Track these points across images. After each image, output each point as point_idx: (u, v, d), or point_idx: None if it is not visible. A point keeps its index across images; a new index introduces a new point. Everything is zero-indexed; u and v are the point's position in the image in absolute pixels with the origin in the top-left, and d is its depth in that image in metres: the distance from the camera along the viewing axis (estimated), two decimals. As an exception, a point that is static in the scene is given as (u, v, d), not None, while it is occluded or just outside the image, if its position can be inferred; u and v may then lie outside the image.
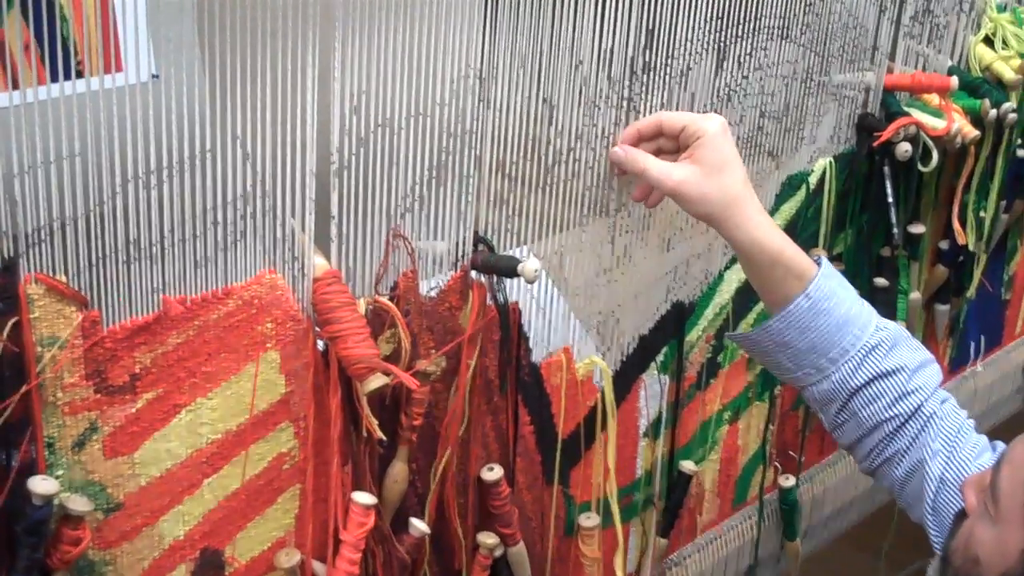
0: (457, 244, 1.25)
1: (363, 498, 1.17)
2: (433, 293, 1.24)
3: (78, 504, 1.00)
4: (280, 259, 1.11)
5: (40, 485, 0.97)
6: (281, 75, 1.04)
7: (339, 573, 1.18)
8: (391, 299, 1.19)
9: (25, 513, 0.97)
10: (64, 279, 0.96)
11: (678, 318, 1.57)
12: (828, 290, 1.27)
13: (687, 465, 1.64)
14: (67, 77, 0.93)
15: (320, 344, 1.15)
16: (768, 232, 1.26)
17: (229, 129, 1.03)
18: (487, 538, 1.35)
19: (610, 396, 1.46)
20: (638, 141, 1.34)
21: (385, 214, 1.17)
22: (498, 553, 1.36)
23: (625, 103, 1.35)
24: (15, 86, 0.90)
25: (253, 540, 1.16)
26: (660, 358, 1.57)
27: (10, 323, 0.93)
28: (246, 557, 1.16)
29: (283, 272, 1.11)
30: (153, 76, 0.97)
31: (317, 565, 1.20)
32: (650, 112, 1.39)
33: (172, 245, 1.02)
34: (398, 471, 1.24)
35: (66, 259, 0.97)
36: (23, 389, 0.95)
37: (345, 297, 1.12)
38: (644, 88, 1.36)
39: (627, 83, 1.35)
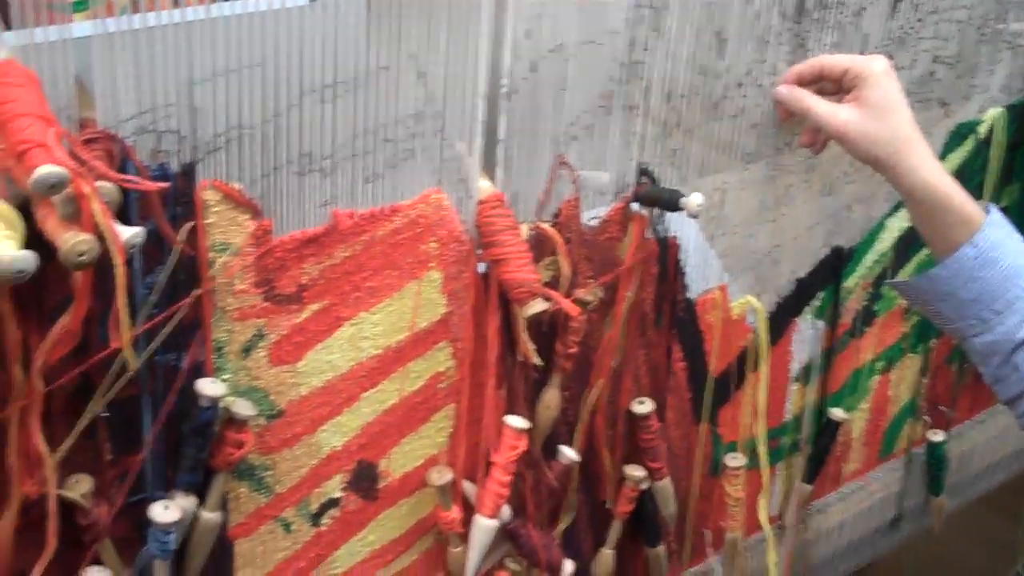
0: (620, 175, 1.25)
1: (516, 421, 1.18)
2: (594, 223, 1.24)
3: (242, 408, 1.02)
4: (446, 180, 1.11)
5: (208, 387, 0.99)
6: (458, -5, 1.05)
7: (489, 494, 1.19)
8: (553, 226, 1.19)
9: (192, 414, 1.00)
10: (239, 187, 0.98)
11: (836, 263, 1.55)
12: (996, 239, 1.24)
13: (837, 412, 1.62)
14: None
15: (481, 267, 1.16)
16: (938, 176, 1.23)
17: (404, 47, 1.03)
18: (634, 471, 1.35)
19: (764, 337, 1.45)
20: (798, 85, 1.31)
21: (551, 140, 1.17)
22: (644, 486, 1.37)
23: (796, 40, 1.33)
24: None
25: (407, 456, 1.18)
26: (816, 302, 1.55)
27: (187, 227, 0.95)
28: (399, 472, 1.18)
29: (449, 193, 1.12)
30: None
31: (467, 485, 1.21)
32: (821, 51, 1.36)
33: (344, 160, 1.04)
34: (551, 397, 1.24)
35: (241, 167, 0.98)
36: (195, 292, 0.98)
37: (509, 221, 1.13)
38: (817, 26, 1.34)
39: (799, 20, 1.32)
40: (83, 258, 0.80)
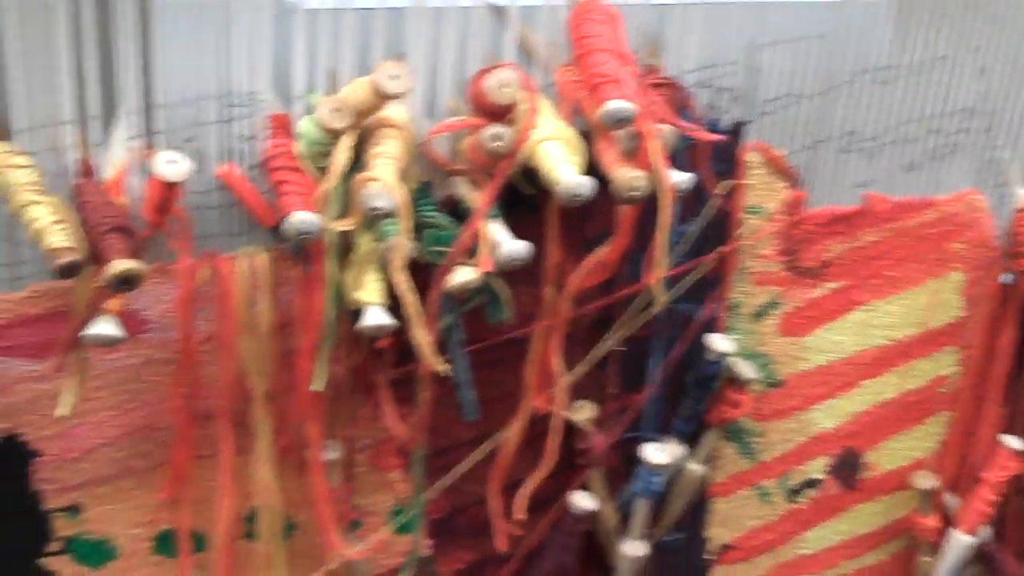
0: None
1: (1014, 443, 1.14)
2: None
3: (746, 370, 1.04)
4: (985, 181, 1.09)
5: (718, 342, 1.02)
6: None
7: (971, 510, 1.15)
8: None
9: (698, 365, 1.03)
10: (783, 153, 0.99)
11: None
12: None
13: None
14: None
15: (1005, 277, 1.12)
16: None
17: (970, 40, 1.02)
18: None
19: None
20: None
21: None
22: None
23: None
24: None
25: (893, 453, 1.16)
26: None
27: (727, 184, 0.98)
28: (883, 467, 1.17)
29: (986, 195, 1.09)
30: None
31: (947, 496, 1.18)
32: None
33: (888, 144, 1.03)
34: (1049, 428, 1.19)
35: (786, 136, 1.00)
36: (723, 249, 1.00)
37: (1042, 236, 1.09)
38: None
39: None
40: (635, 194, 0.83)
